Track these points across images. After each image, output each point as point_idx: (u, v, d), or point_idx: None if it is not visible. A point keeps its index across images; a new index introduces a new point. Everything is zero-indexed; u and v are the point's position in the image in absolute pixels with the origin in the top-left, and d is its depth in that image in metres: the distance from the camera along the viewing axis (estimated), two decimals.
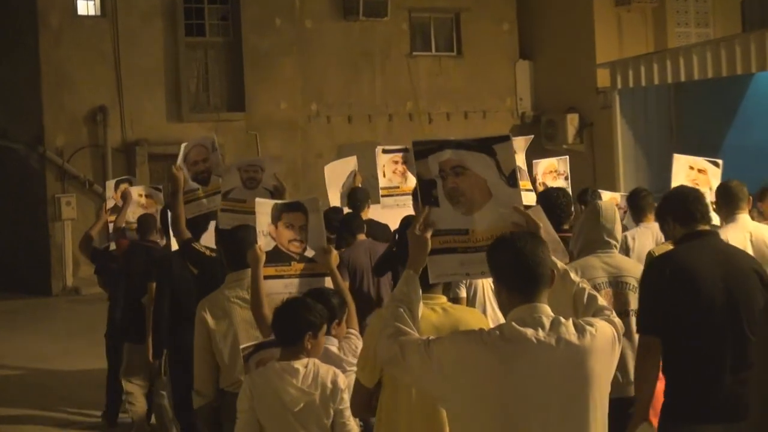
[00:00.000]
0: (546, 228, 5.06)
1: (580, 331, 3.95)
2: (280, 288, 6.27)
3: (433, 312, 4.79)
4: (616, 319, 4.18)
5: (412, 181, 9.71)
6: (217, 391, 6.69)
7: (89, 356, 11.60)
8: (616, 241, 6.56)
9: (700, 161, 9.68)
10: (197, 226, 8.17)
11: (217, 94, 23.43)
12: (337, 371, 5.56)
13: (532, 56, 26.45)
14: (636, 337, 5.84)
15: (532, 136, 9.84)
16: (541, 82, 26.27)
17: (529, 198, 8.40)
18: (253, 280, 6.25)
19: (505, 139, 4.55)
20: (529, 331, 3.90)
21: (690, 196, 5.94)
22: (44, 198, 21.61)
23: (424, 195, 4.51)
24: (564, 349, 3.90)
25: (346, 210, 10.27)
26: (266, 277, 6.25)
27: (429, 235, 4.38)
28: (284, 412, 5.40)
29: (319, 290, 6.01)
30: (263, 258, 6.23)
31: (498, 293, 4.18)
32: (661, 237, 7.73)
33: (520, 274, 4.01)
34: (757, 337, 5.56)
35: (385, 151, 10.29)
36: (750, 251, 7.26)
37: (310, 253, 6.37)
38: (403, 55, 25.24)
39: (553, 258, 4.35)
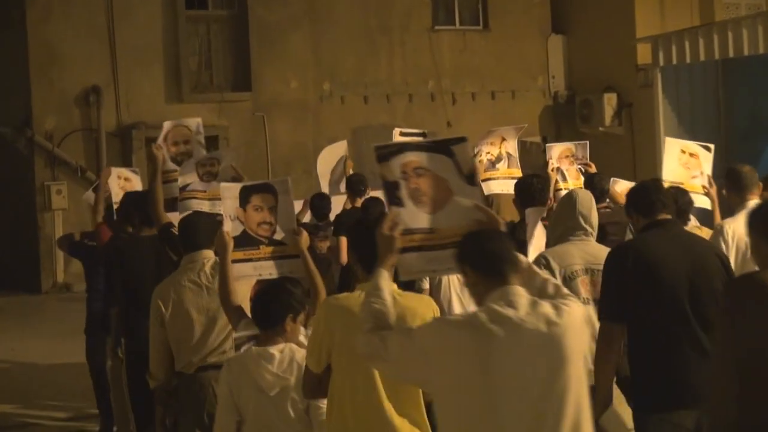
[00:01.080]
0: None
1: (557, 309, 4.43)
2: (250, 270, 6.57)
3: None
4: (579, 303, 4.63)
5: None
6: (172, 374, 7.34)
7: (80, 358, 11.47)
8: (593, 228, 7.11)
9: (692, 145, 10.18)
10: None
11: (221, 72, 23.22)
12: None
13: (566, 30, 26.17)
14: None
15: (526, 125, 10.54)
16: (575, 59, 26.00)
17: (507, 186, 9.45)
18: (221, 267, 6.55)
19: (462, 140, 5.03)
20: (511, 312, 4.36)
21: (650, 188, 6.58)
22: (32, 186, 21.38)
23: (389, 196, 4.99)
24: (544, 327, 4.37)
25: (339, 197, 10.77)
26: (234, 261, 6.53)
27: (397, 234, 4.85)
28: (261, 396, 5.82)
29: (287, 279, 6.31)
30: (231, 244, 6.50)
31: (474, 284, 4.58)
32: None
33: (493, 258, 4.51)
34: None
35: (402, 134, 10.59)
36: None
37: (279, 235, 6.63)
38: (425, 30, 24.90)
39: (517, 254, 4.74)
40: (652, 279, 6.06)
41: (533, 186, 8.20)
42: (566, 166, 11.23)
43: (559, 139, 24.60)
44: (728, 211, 8.83)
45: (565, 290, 4.75)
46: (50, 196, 21.07)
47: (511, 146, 9.71)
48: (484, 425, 4.37)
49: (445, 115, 24.67)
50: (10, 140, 21.59)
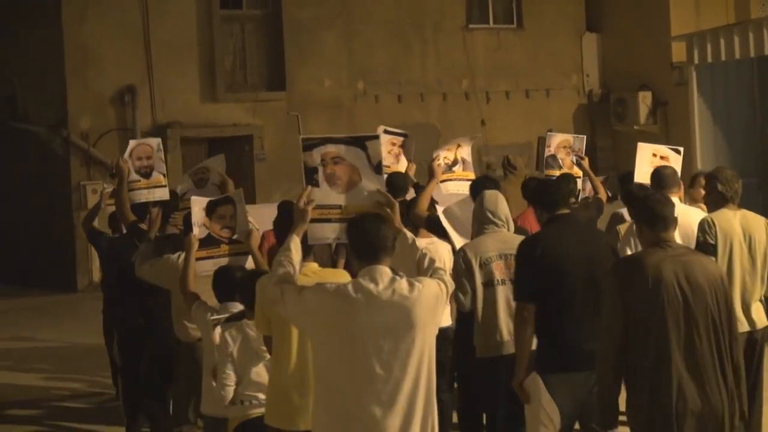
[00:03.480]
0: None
1: (410, 286, 5.65)
2: (210, 266, 8.09)
3: (305, 276, 6.56)
4: (446, 278, 5.90)
5: (403, 165, 11.44)
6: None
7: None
8: (502, 220, 8.44)
9: (663, 149, 11.22)
10: (138, 212, 10.08)
11: (255, 71, 23.38)
12: None
13: (601, 28, 26.30)
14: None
15: (479, 135, 11.30)
16: (610, 57, 26.12)
17: (462, 186, 10.57)
18: (185, 261, 8.16)
19: (375, 137, 6.65)
20: (371, 286, 5.60)
21: (551, 186, 7.91)
22: (68, 186, 21.59)
23: (307, 178, 6.39)
24: (397, 299, 5.60)
25: None
26: (198, 259, 8.12)
27: (310, 208, 6.23)
28: (259, 359, 7.42)
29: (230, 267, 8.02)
30: (196, 245, 8.11)
31: (351, 259, 6.00)
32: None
33: (366, 245, 5.72)
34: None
35: (386, 132, 11.47)
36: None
37: (238, 235, 8.25)
38: (459, 28, 25.10)
39: (404, 231, 6.22)
40: (555, 265, 7.26)
41: (486, 187, 9.07)
42: (562, 155, 12.20)
43: (593, 138, 24.60)
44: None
45: (438, 264, 6.04)
46: (86, 195, 21.18)
47: (466, 152, 10.94)
48: (345, 369, 5.64)
49: (479, 114, 24.75)
50: (46, 140, 21.78)
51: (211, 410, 7.80)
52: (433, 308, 5.74)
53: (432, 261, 6.04)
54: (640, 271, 6.39)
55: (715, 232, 8.53)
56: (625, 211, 10.27)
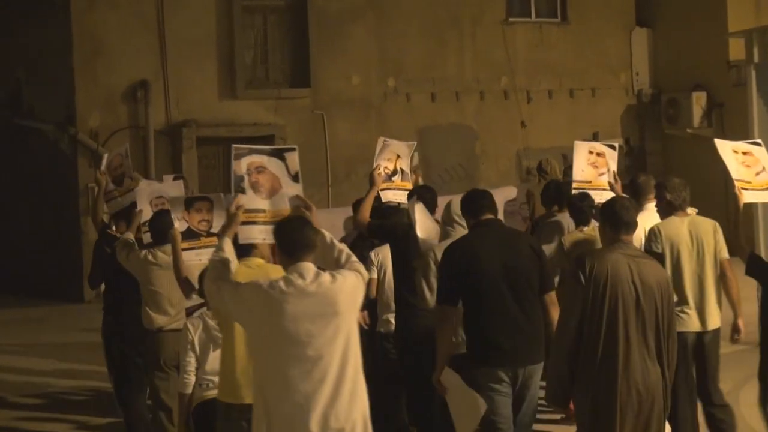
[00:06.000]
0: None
1: (333, 277, 6.83)
2: (193, 257, 9.35)
3: (249, 269, 7.83)
4: (362, 269, 7.06)
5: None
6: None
7: None
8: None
9: (598, 145, 12.19)
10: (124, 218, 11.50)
11: (278, 67, 23.36)
12: None
13: (652, 23, 26.13)
14: None
15: (415, 143, 12.23)
16: (661, 54, 25.96)
17: (400, 196, 11.47)
18: (173, 252, 9.44)
19: (293, 149, 8.03)
20: (300, 281, 6.76)
21: (477, 195, 8.88)
22: (76, 188, 21.59)
23: (235, 186, 7.72)
24: (322, 290, 6.78)
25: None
26: (183, 250, 9.34)
27: (240, 212, 7.49)
28: (215, 345, 8.51)
29: None
30: (180, 236, 9.38)
31: (279, 256, 7.20)
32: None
33: (292, 244, 6.92)
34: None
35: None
36: None
37: (215, 229, 9.24)
38: (498, 22, 24.92)
39: (323, 231, 7.19)
40: (473, 267, 8.29)
41: (424, 195, 10.38)
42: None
43: (642, 141, 24.58)
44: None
45: (354, 258, 7.12)
46: (94, 198, 21.01)
47: (404, 163, 11.77)
48: (279, 353, 6.74)
49: (519, 115, 24.59)
50: (53, 139, 21.78)
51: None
52: (353, 295, 6.93)
53: (348, 255, 7.16)
54: (600, 264, 7.46)
55: (662, 240, 9.59)
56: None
